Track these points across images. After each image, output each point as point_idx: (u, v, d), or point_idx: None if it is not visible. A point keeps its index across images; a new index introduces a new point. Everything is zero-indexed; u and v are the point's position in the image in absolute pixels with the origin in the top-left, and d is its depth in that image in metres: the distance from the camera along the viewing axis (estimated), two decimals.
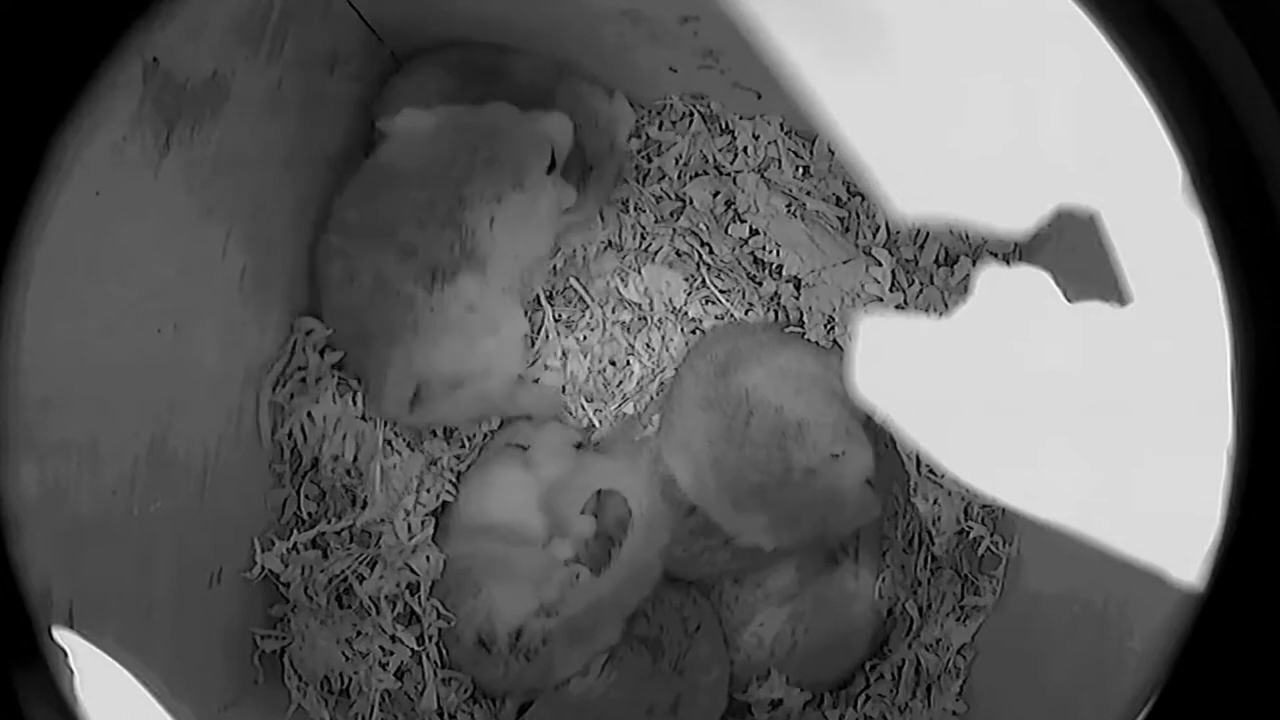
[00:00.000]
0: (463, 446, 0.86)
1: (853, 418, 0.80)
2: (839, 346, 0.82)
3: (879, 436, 0.82)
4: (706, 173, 0.87)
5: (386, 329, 0.78)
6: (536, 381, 0.88)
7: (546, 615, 0.78)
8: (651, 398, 0.88)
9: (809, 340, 0.83)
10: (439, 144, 0.78)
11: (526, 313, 0.84)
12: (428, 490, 0.83)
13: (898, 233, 0.83)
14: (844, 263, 0.82)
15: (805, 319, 0.83)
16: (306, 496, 0.82)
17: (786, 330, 0.84)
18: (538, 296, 0.87)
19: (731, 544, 0.81)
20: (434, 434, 0.86)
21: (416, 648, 0.80)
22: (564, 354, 0.88)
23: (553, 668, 0.78)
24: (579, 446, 0.86)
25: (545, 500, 0.83)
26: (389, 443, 0.83)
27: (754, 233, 0.85)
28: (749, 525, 0.79)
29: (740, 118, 0.86)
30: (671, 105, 0.87)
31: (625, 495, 0.83)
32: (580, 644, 0.78)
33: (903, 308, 0.81)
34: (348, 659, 0.79)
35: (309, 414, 0.80)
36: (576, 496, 0.84)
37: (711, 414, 0.80)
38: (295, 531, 0.80)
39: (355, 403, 0.82)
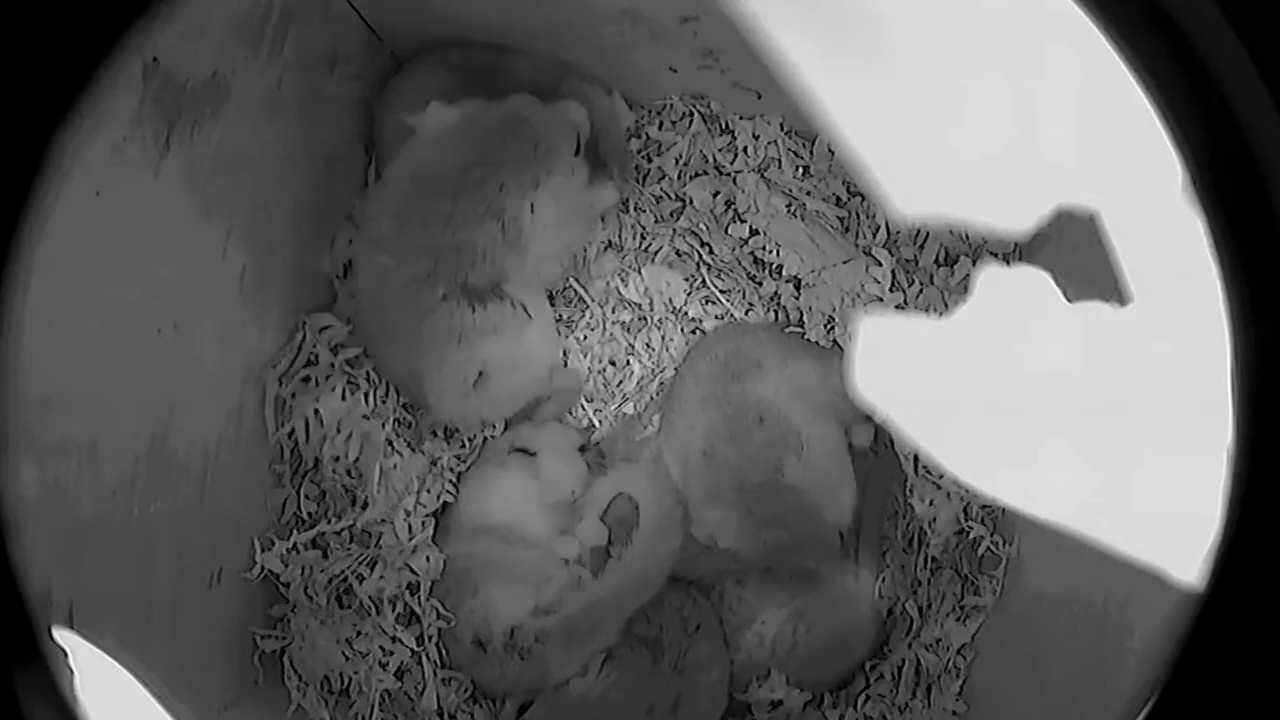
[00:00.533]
0: (463, 447, 0.86)
1: (849, 464, 0.81)
2: (839, 346, 0.82)
3: (879, 437, 0.82)
4: (706, 173, 0.86)
5: (432, 329, 0.77)
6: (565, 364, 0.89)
7: (544, 615, 0.78)
8: (651, 398, 0.88)
9: (809, 340, 0.83)
10: (467, 137, 0.77)
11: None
12: (428, 491, 0.83)
13: (898, 233, 0.83)
14: (844, 263, 0.82)
15: (805, 319, 0.83)
16: (306, 496, 0.82)
17: (786, 330, 0.84)
18: None
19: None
20: (434, 434, 0.86)
21: (416, 648, 0.80)
22: (564, 354, 0.88)
23: (549, 668, 0.78)
24: (582, 450, 0.86)
25: (556, 502, 0.84)
26: (390, 443, 0.83)
27: (754, 233, 0.85)
28: (716, 518, 0.79)
29: (740, 118, 0.86)
30: (671, 105, 0.87)
31: (639, 501, 0.83)
32: (577, 644, 0.77)
33: (903, 308, 0.81)
34: (348, 659, 0.79)
35: (315, 410, 0.80)
36: (598, 500, 0.84)
37: (712, 412, 0.80)
38: (295, 531, 0.80)
39: (364, 400, 0.82)
